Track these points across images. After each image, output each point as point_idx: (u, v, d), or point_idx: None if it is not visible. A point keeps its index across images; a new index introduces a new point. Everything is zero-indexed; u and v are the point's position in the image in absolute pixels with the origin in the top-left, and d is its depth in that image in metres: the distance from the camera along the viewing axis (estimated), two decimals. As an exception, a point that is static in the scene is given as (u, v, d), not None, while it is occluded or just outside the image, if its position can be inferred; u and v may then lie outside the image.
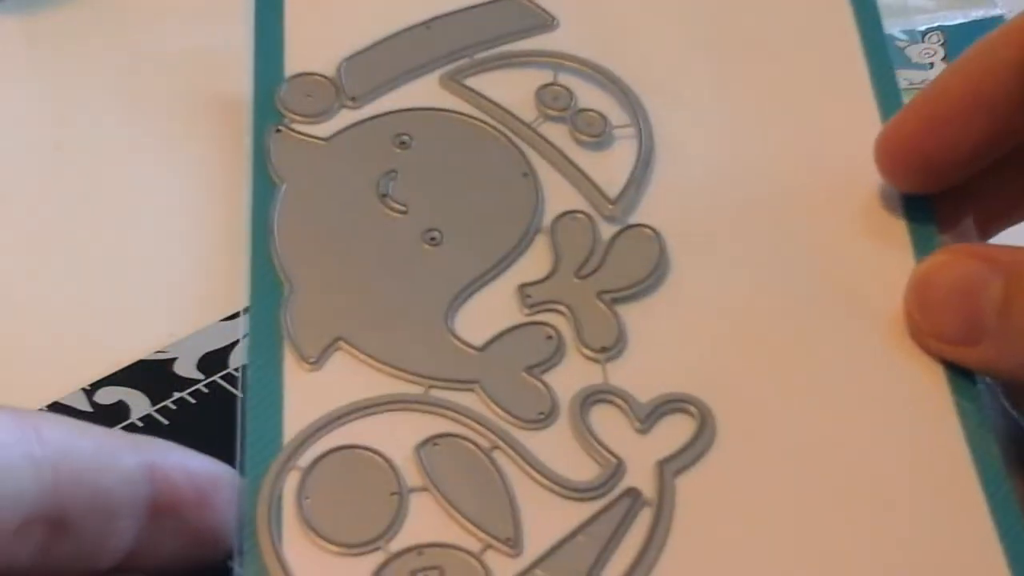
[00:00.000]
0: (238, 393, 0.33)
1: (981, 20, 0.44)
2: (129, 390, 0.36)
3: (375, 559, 0.29)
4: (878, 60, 0.39)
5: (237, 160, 0.40)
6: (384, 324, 0.33)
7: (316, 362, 0.32)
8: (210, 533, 0.27)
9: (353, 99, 0.37)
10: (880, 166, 0.35)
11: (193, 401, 0.36)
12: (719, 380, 0.32)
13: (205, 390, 0.36)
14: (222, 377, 0.36)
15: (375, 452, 0.30)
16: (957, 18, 0.43)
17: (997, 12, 0.45)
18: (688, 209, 0.36)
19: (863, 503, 0.31)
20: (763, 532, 0.30)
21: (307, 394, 0.31)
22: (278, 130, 0.37)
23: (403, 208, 0.35)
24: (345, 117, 0.37)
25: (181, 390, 0.36)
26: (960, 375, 0.33)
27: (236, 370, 0.36)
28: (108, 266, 0.40)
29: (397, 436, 0.31)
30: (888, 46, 0.39)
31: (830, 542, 0.30)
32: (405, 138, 0.37)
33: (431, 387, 0.32)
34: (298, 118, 0.37)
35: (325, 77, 0.38)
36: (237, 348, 0.37)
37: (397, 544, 0.29)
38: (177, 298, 0.39)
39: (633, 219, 0.35)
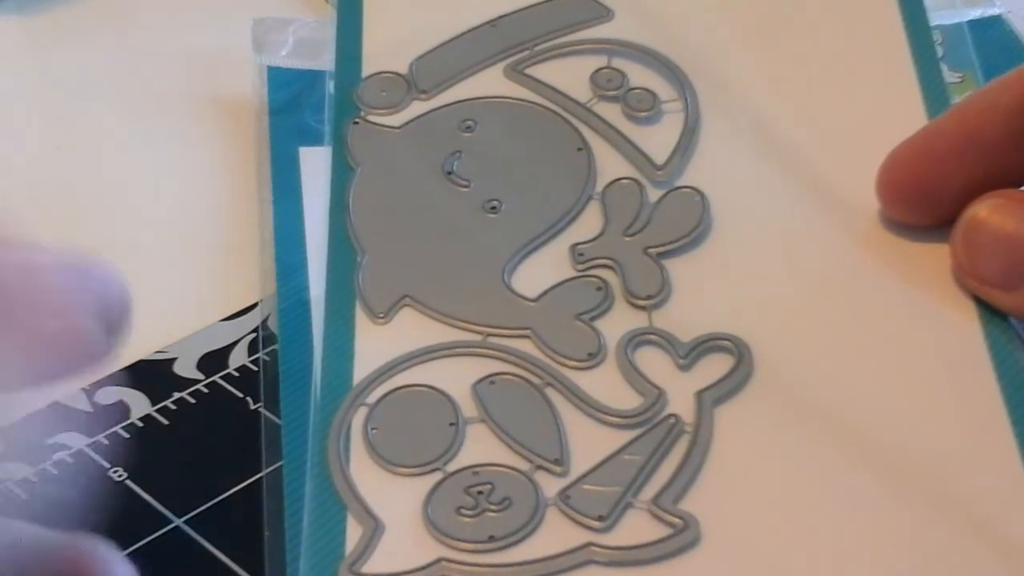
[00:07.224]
0: (238, 393, 0.36)
1: (979, 19, 0.44)
2: (129, 390, 0.36)
3: (433, 478, 0.31)
4: (920, 42, 0.41)
5: (238, 160, 0.42)
6: (446, 282, 0.35)
7: (384, 317, 0.35)
8: None
9: (424, 92, 0.41)
10: (880, 196, 0.36)
11: (193, 401, 0.36)
12: (757, 324, 0.34)
13: (205, 390, 0.36)
14: (222, 377, 0.36)
15: (435, 389, 0.33)
16: (955, 17, 0.44)
17: (995, 11, 0.45)
18: (731, 174, 0.38)
19: (893, 437, 0.32)
20: (795, 461, 0.32)
21: (375, 344, 0.34)
22: (355, 122, 0.40)
23: (466, 183, 0.38)
24: (416, 108, 0.40)
25: (181, 390, 0.36)
26: (993, 316, 0.34)
27: (236, 370, 0.37)
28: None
29: (456, 376, 0.33)
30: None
31: (859, 472, 0.31)
32: (470, 123, 0.40)
33: (489, 335, 0.34)
34: (374, 111, 0.40)
35: (399, 75, 0.41)
36: (237, 348, 0.37)
37: (454, 466, 0.31)
38: (177, 298, 0.39)
39: (679, 183, 0.38)
